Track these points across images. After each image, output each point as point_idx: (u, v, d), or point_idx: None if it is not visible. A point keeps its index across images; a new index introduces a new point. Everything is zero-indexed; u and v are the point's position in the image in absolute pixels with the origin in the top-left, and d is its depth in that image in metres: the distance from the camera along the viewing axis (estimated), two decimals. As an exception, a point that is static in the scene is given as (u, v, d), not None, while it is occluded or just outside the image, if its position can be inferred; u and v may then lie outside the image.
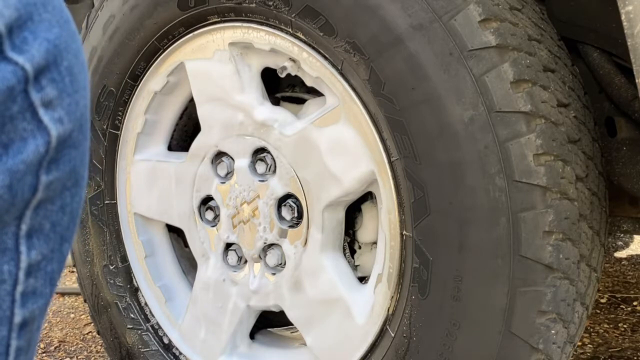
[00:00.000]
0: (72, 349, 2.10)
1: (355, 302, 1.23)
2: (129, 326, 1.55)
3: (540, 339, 1.05)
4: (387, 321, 1.18)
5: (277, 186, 1.28)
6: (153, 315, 1.54)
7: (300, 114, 1.31)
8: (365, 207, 1.31)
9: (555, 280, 1.04)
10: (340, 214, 1.26)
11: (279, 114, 1.28)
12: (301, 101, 1.37)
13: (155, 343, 1.53)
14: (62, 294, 2.64)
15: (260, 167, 1.30)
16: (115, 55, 1.45)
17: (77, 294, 2.59)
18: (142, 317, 1.55)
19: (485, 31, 1.03)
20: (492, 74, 1.01)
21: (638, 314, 2.29)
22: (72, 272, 2.83)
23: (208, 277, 1.42)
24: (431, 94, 1.05)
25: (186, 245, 1.52)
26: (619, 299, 2.45)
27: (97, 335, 2.01)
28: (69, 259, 1.64)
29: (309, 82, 1.25)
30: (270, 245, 1.32)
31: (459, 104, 1.03)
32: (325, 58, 1.18)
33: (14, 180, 0.47)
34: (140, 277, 1.55)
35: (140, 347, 1.54)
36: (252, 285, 1.35)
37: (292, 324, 1.35)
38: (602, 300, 2.43)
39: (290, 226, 1.29)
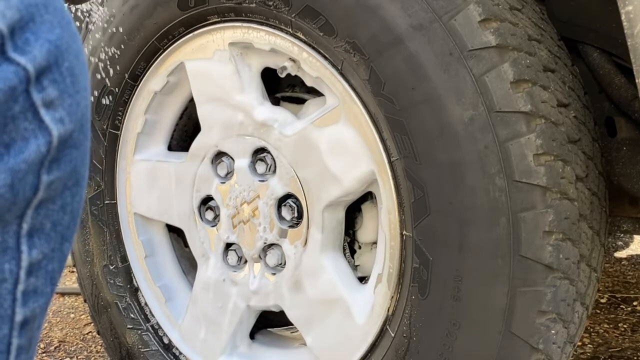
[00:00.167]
0: (72, 349, 2.10)
1: (355, 302, 1.23)
2: (129, 326, 1.55)
3: (540, 339, 1.05)
4: (387, 321, 1.18)
5: (277, 186, 1.28)
6: (153, 315, 1.54)
7: (300, 114, 1.31)
8: (365, 207, 1.31)
9: (555, 280, 1.04)
10: (340, 214, 1.26)
11: (279, 114, 1.28)
12: (301, 101, 1.37)
13: (155, 343, 1.54)
14: (62, 294, 2.64)
15: (260, 167, 1.30)
16: (115, 55, 1.45)
17: (77, 294, 2.59)
18: (142, 317, 1.55)
19: (485, 31, 1.03)
20: (492, 74, 1.01)
21: (638, 314, 2.30)
22: (72, 272, 2.83)
23: (208, 277, 1.42)
24: (431, 94, 1.05)
25: (186, 245, 1.52)
26: (619, 299, 2.45)
27: (97, 335, 2.01)
28: (69, 259, 1.64)
29: (309, 82, 1.25)
30: (270, 245, 1.32)
31: (459, 104, 1.03)
32: (325, 58, 1.18)
33: (16, 180, 0.47)
34: (140, 277, 1.55)
35: (140, 347, 1.54)
36: (252, 285, 1.35)
37: (292, 324, 1.35)
38: (602, 300, 2.43)
39: (290, 226, 1.29)
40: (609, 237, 1.59)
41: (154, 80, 1.44)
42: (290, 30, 1.20)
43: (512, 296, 1.03)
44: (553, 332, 1.06)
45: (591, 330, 2.14)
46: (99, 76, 1.46)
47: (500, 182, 1.02)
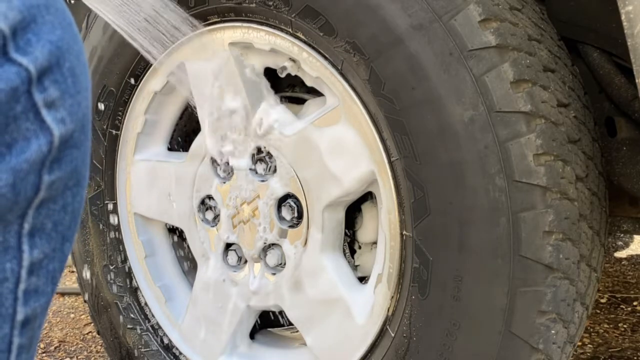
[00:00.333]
0: (72, 349, 2.10)
1: (355, 302, 1.23)
2: (129, 326, 1.55)
3: (540, 339, 1.05)
4: (387, 321, 1.18)
5: (277, 186, 1.28)
6: (153, 315, 1.54)
7: (300, 114, 1.31)
8: (365, 207, 1.31)
9: (555, 280, 1.04)
10: (340, 214, 1.26)
11: (279, 114, 1.28)
12: (301, 101, 1.37)
13: (155, 343, 1.54)
14: (62, 294, 2.64)
15: (260, 167, 1.30)
16: (115, 55, 1.45)
17: (77, 294, 2.59)
18: (142, 317, 1.55)
19: (485, 31, 1.03)
20: (492, 74, 1.01)
21: (638, 314, 2.30)
22: (72, 272, 2.83)
23: (208, 277, 1.42)
24: (431, 94, 1.05)
25: (186, 245, 1.52)
26: (619, 299, 2.45)
27: (97, 335, 2.01)
28: (69, 259, 1.64)
29: (309, 82, 1.25)
30: (270, 246, 1.32)
31: (459, 104, 1.03)
32: (325, 58, 1.18)
33: (17, 179, 0.48)
34: (140, 277, 1.55)
35: (140, 347, 1.54)
36: (252, 286, 1.35)
37: (292, 324, 1.35)
38: (602, 300, 2.43)
39: (290, 226, 1.29)
40: (609, 237, 1.59)
41: (154, 80, 1.44)
42: (290, 30, 1.20)
43: (512, 296, 1.03)
44: (553, 332, 1.06)
45: (591, 330, 2.14)
46: None
47: (500, 182, 1.02)
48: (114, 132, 1.51)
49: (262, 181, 1.30)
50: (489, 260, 1.04)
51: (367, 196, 1.28)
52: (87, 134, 0.53)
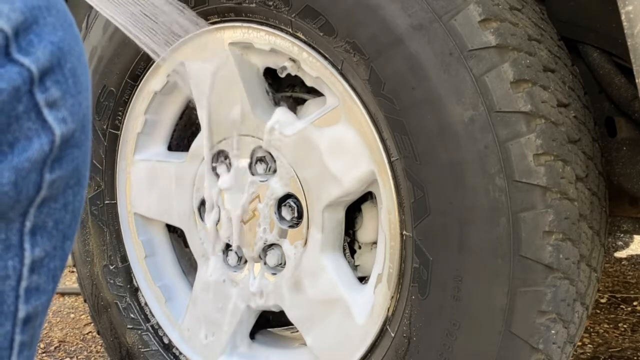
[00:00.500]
0: (72, 349, 2.10)
1: (355, 302, 1.23)
2: (129, 326, 1.55)
3: (540, 339, 1.05)
4: (387, 321, 1.18)
5: (277, 186, 1.28)
6: (153, 315, 1.54)
7: (300, 114, 1.31)
8: (365, 207, 1.31)
9: (555, 280, 1.04)
10: (340, 214, 1.26)
11: (279, 114, 1.28)
12: (301, 101, 1.37)
13: (155, 343, 1.54)
14: (62, 294, 2.64)
15: (260, 167, 1.30)
16: (115, 55, 1.45)
17: (77, 294, 2.59)
18: (142, 317, 1.55)
19: (485, 31, 1.03)
20: (492, 74, 1.02)
21: (638, 314, 2.30)
22: (72, 272, 2.83)
23: (208, 277, 1.42)
24: (431, 94, 1.05)
25: (186, 245, 1.52)
26: (619, 299, 2.45)
27: (97, 335, 2.01)
28: (69, 259, 1.64)
29: (309, 82, 1.25)
30: (271, 246, 1.32)
31: (459, 104, 1.03)
32: (325, 58, 1.18)
33: (19, 178, 0.48)
34: (140, 277, 1.55)
35: (140, 347, 1.54)
36: (252, 286, 1.35)
37: (292, 324, 1.35)
38: (602, 300, 2.43)
39: (290, 226, 1.29)
40: (609, 237, 1.59)
41: (154, 80, 1.44)
42: (290, 30, 1.20)
43: (512, 296, 1.03)
44: (553, 332, 1.06)
45: (591, 330, 2.14)
46: None
47: (500, 182, 1.02)
48: (114, 132, 1.51)
49: (262, 181, 1.30)
50: (489, 260, 1.04)
51: (367, 196, 1.28)
52: (87, 134, 0.54)
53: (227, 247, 1.40)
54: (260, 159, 1.31)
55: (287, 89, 1.45)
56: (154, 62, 1.42)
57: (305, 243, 1.26)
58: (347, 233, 1.30)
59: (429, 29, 1.04)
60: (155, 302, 1.54)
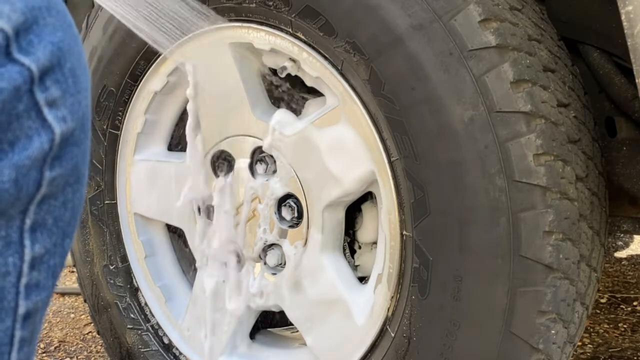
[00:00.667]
0: (72, 349, 2.10)
1: (355, 303, 1.23)
2: (129, 326, 1.55)
3: (540, 339, 1.05)
4: (387, 321, 1.18)
5: (277, 186, 1.28)
6: (153, 315, 1.54)
7: (301, 114, 1.31)
8: (365, 207, 1.31)
9: (555, 280, 1.04)
10: (340, 214, 1.26)
11: (279, 114, 1.28)
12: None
13: (155, 343, 1.54)
14: (62, 294, 2.64)
15: (260, 167, 1.30)
16: (115, 55, 1.45)
17: (77, 294, 2.59)
18: (142, 317, 1.55)
19: (485, 31, 1.03)
20: (492, 74, 1.02)
21: (638, 314, 2.30)
22: (72, 272, 2.83)
23: (208, 277, 1.42)
24: (431, 94, 1.05)
25: (186, 245, 1.52)
26: (619, 299, 2.45)
27: (97, 335, 2.01)
28: (69, 259, 1.65)
29: (309, 82, 1.25)
30: (271, 246, 1.32)
31: (459, 104, 1.03)
32: (325, 58, 1.18)
33: (20, 175, 0.49)
34: (140, 277, 1.55)
35: (140, 347, 1.54)
36: (252, 286, 1.35)
37: (292, 324, 1.35)
38: (602, 300, 2.43)
39: (290, 226, 1.29)
40: (609, 237, 1.59)
41: (154, 80, 1.44)
42: (290, 30, 1.20)
43: (512, 296, 1.03)
44: (553, 332, 1.06)
45: (591, 330, 2.14)
46: None
47: (500, 182, 1.02)
48: (114, 132, 1.51)
49: (262, 181, 1.30)
50: (489, 260, 1.04)
51: (367, 196, 1.28)
52: (87, 133, 0.55)
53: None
54: (260, 159, 1.31)
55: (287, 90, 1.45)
56: (154, 62, 1.42)
57: (305, 243, 1.26)
58: (347, 233, 1.30)
59: (429, 29, 1.04)
60: (155, 302, 1.54)
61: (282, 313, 1.36)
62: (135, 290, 1.56)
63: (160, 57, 1.40)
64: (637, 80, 0.94)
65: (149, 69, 1.43)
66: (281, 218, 1.29)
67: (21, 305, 0.53)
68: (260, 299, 1.34)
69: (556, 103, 1.05)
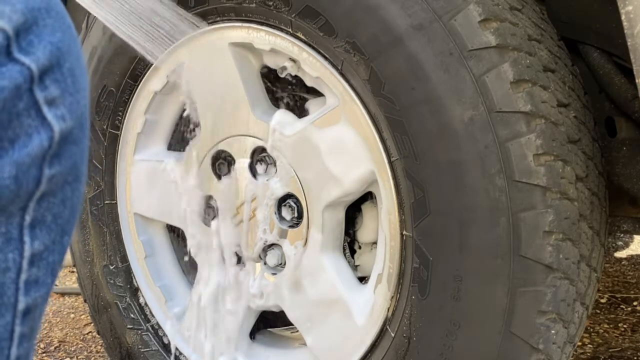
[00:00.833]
0: (72, 349, 2.10)
1: (355, 303, 1.23)
2: (129, 326, 1.55)
3: (540, 339, 1.05)
4: (387, 321, 1.18)
5: (277, 186, 1.28)
6: (153, 315, 1.54)
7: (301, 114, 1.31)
8: (365, 207, 1.31)
9: (555, 280, 1.04)
10: (340, 214, 1.26)
11: (279, 115, 1.28)
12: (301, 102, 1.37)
13: (155, 343, 1.54)
14: (62, 294, 2.64)
15: (260, 167, 1.30)
16: (115, 55, 1.45)
17: (77, 294, 2.59)
18: (142, 317, 1.55)
19: (485, 31, 1.03)
20: (492, 74, 1.02)
21: (638, 314, 2.30)
22: (72, 272, 2.83)
23: (208, 277, 1.42)
24: (431, 94, 1.05)
25: (186, 245, 1.52)
26: (619, 299, 2.45)
27: (97, 335, 2.01)
28: (69, 259, 1.65)
29: (309, 82, 1.25)
30: (271, 246, 1.32)
31: (459, 104, 1.03)
32: (325, 58, 1.18)
33: (20, 172, 0.50)
34: (140, 277, 1.55)
35: (140, 347, 1.54)
36: (252, 286, 1.35)
37: (292, 324, 1.35)
38: (602, 300, 2.43)
39: (290, 226, 1.29)
40: (609, 237, 1.59)
41: (154, 80, 1.44)
42: (290, 30, 1.20)
43: (512, 296, 1.03)
44: (553, 332, 1.06)
45: (591, 330, 2.14)
46: None
47: (500, 182, 1.02)
48: (114, 132, 1.51)
49: (262, 181, 1.30)
50: (489, 260, 1.04)
51: (367, 196, 1.28)
52: (85, 132, 0.56)
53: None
54: (261, 159, 1.31)
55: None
56: (154, 62, 1.42)
57: (305, 243, 1.26)
58: (347, 233, 1.30)
59: (429, 29, 1.04)
60: (155, 302, 1.54)
61: (281, 313, 1.36)
62: (135, 290, 1.56)
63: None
64: (637, 80, 0.94)
65: (149, 69, 1.43)
66: (281, 218, 1.29)
67: (21, 301, 0.54)
68: (260, 299, 1.34)
69: (556, 103, 1.05)
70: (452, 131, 1.04)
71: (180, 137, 1.52)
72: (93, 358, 2.03)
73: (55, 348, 2.11)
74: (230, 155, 1.35)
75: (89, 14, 1.50)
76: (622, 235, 2.98)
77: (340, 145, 1.19)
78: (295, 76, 1.28)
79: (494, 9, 1.05)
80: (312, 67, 1.21)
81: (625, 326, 2.19)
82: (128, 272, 1.55)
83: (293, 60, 1.24)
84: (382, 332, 1.19)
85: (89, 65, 1.49)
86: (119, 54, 1.45)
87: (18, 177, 0.51)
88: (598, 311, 2.31)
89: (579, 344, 2.01)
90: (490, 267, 1.04)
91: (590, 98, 1.19)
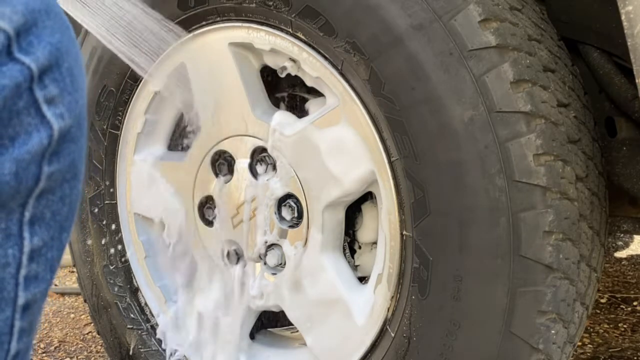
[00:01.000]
0: (72, 349, 2.10)
1: (355, 303, 1.23)
2: (129, 326, 1.55)
3: (540, 339, 1.05)
4: (387, 321, 1.18)
5: (277, 186, 1.28)
6: (153, 315, 1.54)
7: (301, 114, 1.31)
8: (365, 207, 1.31)
9: (555, 280, 1.04)
10: (340, 214, 1.26)
11: (279, 115, 1.28)
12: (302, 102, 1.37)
13: (155, 343, 1.54)
14: (62, 294, 2.64)
15: (261, 167, 1.30)
16: (115, 56, 1.45)
17: (77, 294, 2.59)
18: (142, 317, 1.55)
19: (485, 31, 1.03)
20: (492, 74, 1.02)
21: (638, 314, 2.30)
22: (72, 272, 2.83)
23: (208, 277, 1.42)
24: (431, 94, 1.05)
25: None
26: (619, 299, 2.45)
27: (97, 335, 2.01)
28: (69, 259, 1.65)
29: (309, 82, 1.25)
30: (271, 246, 1.32)
31: (459, 104, 1.03)
32: (325, 58, 1.18)
33: (20, 169, 0.52)
34: (140, 277, 1.55)
35: (140, 347, 1.54)
36: (252, 286, 1.35)
37: (292, 324, 1.35)
38: (602, 300, 2.43)
39: (291, 226, 1.29)
40: (609, 237, 1.59)
41: (154, 80, 1.44)
42: (290, 30, 1.20)
43: (512, 296, 1.03)
44: (553, 332, 1.06)
45: (591, 330, 2.14)
46: None
47: (500, 182, 1.02)
48: (114, 132, 1.51)
49: (262, 181, 1.30)
50: (489, 260, 1.04)
51: (367, 196, 1.28)
52: (83, 130, 0.57)
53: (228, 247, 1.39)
54: (260, 160, 1.31)
55: (287, 89, 1.45)
56: (154, 62, 1.42)
57: (305, 243, 1.26)
58: (347, 233, 1.30)
59: (429, 29, 1.04)
60: (156, 302, 1.54)
61: (282, 313, 1.36)
62: (135, 290, 1.56)
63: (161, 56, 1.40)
64: (637, 80, 0.94)
65: (149, 69, 1.43)
66: (281, 218, 1.29)
67: (20, 296, 0.55)
68: (260, 299, 1.34)
69: (556, 103, 1.05)
70: (452, 131, 1.04)
71: (181, 137, 1.52)
72: (93, 358, 2.03)
73: (55, 348, 2.11)
74: (230, 156, 1.35)
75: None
76: (622, 235, 2.98)
77: (340, 145, 1.19)
78: (295, 76, 1.28)
79: (494, 9, 1.05)
80: (312, 67, 1.21)
81: (625, 326, 2.19)
82: (128, 272, 1.55)
83: (293, 60, 1.24)
84: (382, 332, 1.19)
85: (89, 66, 1.49)
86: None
87: (18, 173, 0.52)
88: (598, 311, 2.32)
89: (579, 344, 2.01)
90: (490, 267, 1.04)
91: (590, 98, 1.19)
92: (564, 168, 1.04)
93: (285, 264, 1.30)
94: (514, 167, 1.01)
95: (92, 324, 1.71)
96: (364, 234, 1.32)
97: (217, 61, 1.32)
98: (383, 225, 1.18)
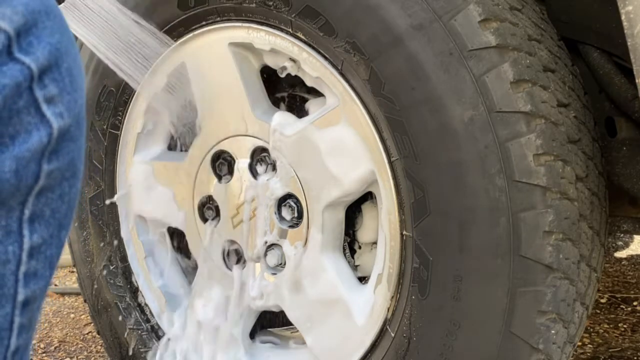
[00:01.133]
0: (72, 349, 2.10)
1: (355, 303, 1.23)
2: (129, 326, 1.55)
3: (540, 339, 1.05)
4: (387, 321, 1.18)
5: (277, 186, 1.28)
6: (153, 315, 1.54)
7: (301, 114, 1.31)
8: (365, 207, 1.31)
9: (555, 280, 1.04)
10: (340, 214, 1.26)
11: (279, 115, 1.28)
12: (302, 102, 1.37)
13: (156, 343, 1.53)
14: (62, 294, 2.64)
15: (261, 167, 1.30)
16: (115, 56, 1.45)
17: (77, 294, 2.59)
18: (142, 317, 1.55)
19: (485, 31, 1.03)
20: (492, 74, 1.02)
21: (638, 314, 2.30)
22: (72, 272, 2.83)
23: (208, 277, 1.42)
24: (431, 94, 1.05)
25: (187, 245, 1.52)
26: (619, 299, 2.45)
27: (97, 335, 2.01)
28: (69, 259, 1.65)
29: (309, 82, 1.25)
30: (271, 246, 1.32)
31: (459, 104, 1.03)
32: (325, 58, 1.18)
33: (20, 167, 0.53)
34: (140, 277, 1.55)
35: (140, 347, 1.54)
36: (252, 286, 1.35)
37: (292, 324, 1.35)
38: (602, 300, 2.43)
39: (291, 226, 1.29)
40: (609, 237, 1.59)
41: (155, 80, 1.44)
42: (290, 30, 1.20)
43: (512, 296, 1.03)
44: (553, 332, 1.06)
45: (591, 330, 2.14)
46: None
47: (500, 182, 1.02)
48: (114, 132, 1.51)
49: (262, 181, 1.30)
50: (489, 260, 1.04)
51: (367, 196, 1.28)
52: (82, 130, 0.58)
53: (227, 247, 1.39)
54: (260, 160, 1.31)
55: (287, 89, 1.45)
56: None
57: (306, 243, 1.26)
58: (347, 233, 1.30)
59: (429, 29, 1.04)
60: (156, 302, 1.54)
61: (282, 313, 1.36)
62: (135, 290, 1.56)
63: (161, 57, 1.40)
64: (637, 80, 0.94)
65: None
66: (281, 218, 1.29)
67: (20, 293, 0.56)
68: (260, 299, 1.34)
69: (556, 103, 1.05)
70: (452, 131, 1.04)
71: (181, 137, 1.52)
72: (93, 358, 2.03)
73: (55, 348, 2.11)
74: (231, 156, 1.35)
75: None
76: (622, 235, 2.98)
77: (340, 145, 1.19)
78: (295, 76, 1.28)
79: (494, 9, 1.05)
80: (312, 67, 1.21)
81: (625, 326, 2.19)
82: (128, 272, 1.55)
83: (293, 60, 1.24)
84: (382, 332, 1.19)
85: (89, 66, 1.49)
86: (119, 54, 1.44)
87: (18, 171, 0.53)
88: (598, 311, 2.31)
89: (579, 344, 2.01)
90: (490, 267, 1.04)
91: (590, 98, 1.19)
92: (564, 168, 1.04)
93: (285, 264, 1.30)
94: (514, 167, 1.01)
95: (92, 324, 1.71)
96: (364, 234, 1.32)
97: (217, 61, 1.32)
98: (383, 225, 1.18)
